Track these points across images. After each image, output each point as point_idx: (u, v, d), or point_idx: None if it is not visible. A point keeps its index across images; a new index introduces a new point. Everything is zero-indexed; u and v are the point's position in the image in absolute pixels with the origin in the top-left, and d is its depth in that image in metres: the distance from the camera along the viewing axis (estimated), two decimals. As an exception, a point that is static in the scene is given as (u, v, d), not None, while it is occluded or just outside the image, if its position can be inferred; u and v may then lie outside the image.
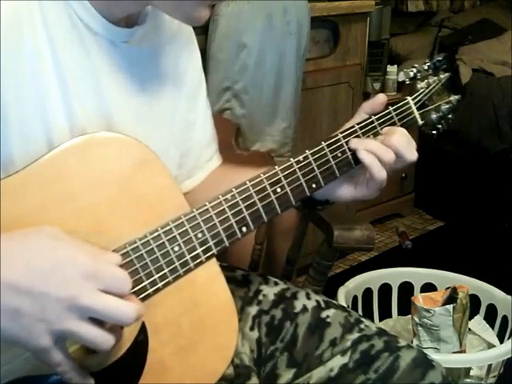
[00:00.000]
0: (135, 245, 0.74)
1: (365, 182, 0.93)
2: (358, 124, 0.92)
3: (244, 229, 0.82)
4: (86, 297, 0.65)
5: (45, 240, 0.67)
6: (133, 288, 0.74)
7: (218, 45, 1.80)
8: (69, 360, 0.68)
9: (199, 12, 0.81)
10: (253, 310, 1.03)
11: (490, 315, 1.78)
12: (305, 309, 1.01)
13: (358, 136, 0.91)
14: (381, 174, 0.89)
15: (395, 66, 2.90)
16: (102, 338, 0.67)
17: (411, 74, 0.99)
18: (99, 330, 0.67)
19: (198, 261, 0.79)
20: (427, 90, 0.99)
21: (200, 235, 0.78)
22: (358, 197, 0.95)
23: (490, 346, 1.70)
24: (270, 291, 1.05)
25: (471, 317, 1.71)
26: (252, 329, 1.01)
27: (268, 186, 0.84)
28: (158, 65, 0.92)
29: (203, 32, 1.81)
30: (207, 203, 0.80)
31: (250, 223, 0.83)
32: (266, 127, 1.93)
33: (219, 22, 1.78)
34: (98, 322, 0.67)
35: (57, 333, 0.65)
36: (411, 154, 0.91)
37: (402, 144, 0.90)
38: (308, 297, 1.04)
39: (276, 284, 1.07)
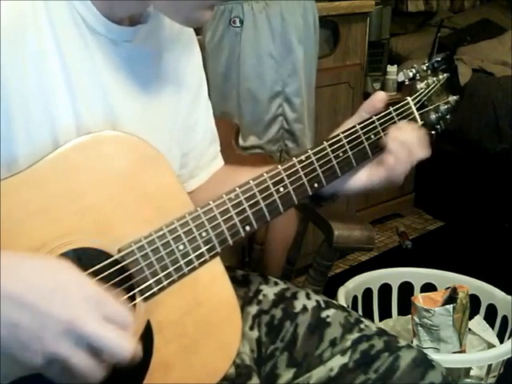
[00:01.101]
0: (141, 243, 0.75)
1: (375, 174, 0.94)
2: (359, 124, 0.93)
3: (247, 228, 0.83)
4: (88, 323, 0.64)
5: (50, 261, 0.67)
6: (138, 286, 0.75)
7: (260, 51, 1.77)
8: (64, 373, 0.66)
9: (200, 14, 0.81)
10: (253, 309, 1.03)
11: (490, 315, 1.78)
12: (305, 309, 1.01)
13: (359, 136, 0.92)
14: (401, 177, 0.93)
15: (395, 65, 2.90)
16: (92, 370, 0.65)
17: (410, 74, 0.99)
18: (92, 361, 0.65)
19: (203, 259, 0.79)
20: (427, 91, 1.00)
21: (204, 234, 0.79)
22: (367, 189, 0.96)
23: (490, 345, 1.70)
24: (269, 291, 1.05)
25: (471, 317, 1.71)
26: (252, 328, 1.01)
27: (271, 186, 0.84)
28: (159, 64, 0.92)
29: (201, 33, 1.80)
30: (211, 202, 0.80)
31: (254, 222, 0.83)
32: (309, 130, 1.94)
33: (249, 25, 1.75)
34: (91, 351, 0.65)
35: (50, 355, 0.64)
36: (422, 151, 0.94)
37: (414, 141, 0.92)
38: (308, 297, 1.04)
39: (276, 284, 1.07)
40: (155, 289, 0.76)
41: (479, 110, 2.95)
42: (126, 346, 0.65)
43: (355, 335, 0.96)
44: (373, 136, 0.93)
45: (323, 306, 1.02)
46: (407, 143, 0.92)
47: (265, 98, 1.82)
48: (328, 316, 1.00)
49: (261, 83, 1.80)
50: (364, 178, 0.95)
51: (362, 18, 2.41)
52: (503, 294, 1.76)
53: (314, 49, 1.90)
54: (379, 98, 0.95)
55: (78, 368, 0.65)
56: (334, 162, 0.90)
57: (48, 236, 0.72)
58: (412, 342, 1.58)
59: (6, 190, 0.70)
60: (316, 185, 0.89)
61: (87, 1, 0.79)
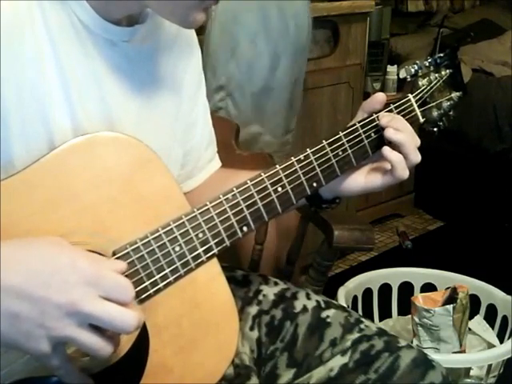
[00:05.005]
0: (136, 245, 0.74)
1: (380, 173, 0.92)
2: (359, 122, 0.92)
3: (245, 228, 0.82)
4: (87, 303, 0.65)
5: (46, 246, 0.67)
6: (134, 288, 0.74)
7: (215, 41, 1.77)
8: (68, 364, 0.68)
9: (194, 15, 0.80)
10: (253, 309, 1.03)
11: (490, 315, 1.78)
12: (305, 309, 1.01)
13: (359, 134, 0.91)
14: (405, 172, 0.90)
15: (395, 65, 2.90)
16: (100, 346, 0.66)
17: (412, 70, 0.98)
18: (98, 338, 0.66)
19: (199, 261, 0.79)
20: (428, 87, 0.99)
21: (201, 235, 0.78)
22: (369, 189, 0.95)
23: (490, 345, 1.70)
24: (269, 291, 1.05)
25: (471, 317, 1.71)
26: (252, 329, 1.01)
27: (269, 186, 0.84)
28: (158, 64, 0.92)
29: (202, 32, 1.81)
30: (208, 203, 0.80)
31: (251, 223, 0.83)
32: (258, 130, 1.89)
33: (215, 19, 1.75)
34: (97, 328, 0.66)
35: (56, 339, 0.65)
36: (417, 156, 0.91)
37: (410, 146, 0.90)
38: (308, 297, 1.04)
39: (276, 284, 1.07)
40: (151, 291, 0.75)
41: (479, 110, 2.95)
42: (127, 319, 0.66)
43: (355, 335, 0.96)
44: (373, 134, 0.92)
45: (323, 306, 1.02)
46: (403, 148, 0.89)
47: (209, 89, 1.81)
48: (328, 316, 1.00)
49: (209, 75, 1.78)
50: (362, 181, 0.94)
51: (362, 17, 2.41)
52: (503, 294, 1.76)
53: (284, 52, 1.86)
54: (379, 99, 0.94)
55: (86, 347, 0.66)
56: (334, 160, 0.89)
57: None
58: (412, 342, 1.57)
59: (6, 191, 0.70)
60: (315, 184, 0.88)
61: (83, 1, 0.79)
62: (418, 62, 0.99)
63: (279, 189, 0.85)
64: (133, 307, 0.68)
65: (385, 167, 0.92)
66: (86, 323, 0.65)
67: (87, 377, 0.71)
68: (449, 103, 1.01)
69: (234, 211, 0.81)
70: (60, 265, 0.65)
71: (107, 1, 0.80)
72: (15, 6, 0.74)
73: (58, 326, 0.64)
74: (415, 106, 0.97)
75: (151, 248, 0.75)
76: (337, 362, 0.94)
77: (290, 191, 0.86)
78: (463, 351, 1.63)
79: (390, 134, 0.90)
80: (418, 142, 0.91)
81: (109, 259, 0.72)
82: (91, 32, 0.81)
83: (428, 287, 1.88)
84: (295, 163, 0.87)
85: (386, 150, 0.90)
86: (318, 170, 0.88)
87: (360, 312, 1.77)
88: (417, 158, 0.90)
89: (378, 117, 0.93)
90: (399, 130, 0.90)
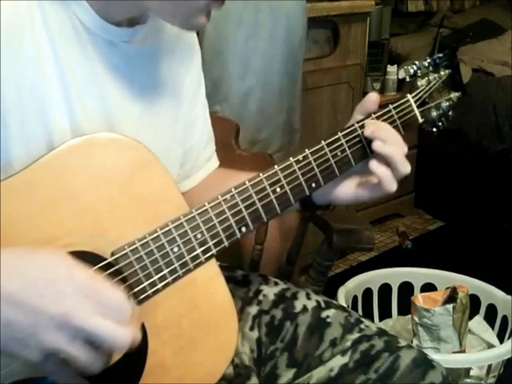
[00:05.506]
0: (134, 246, 0.74)
1: (369, 185, 0.92)
2: (357, 123, 0.92)
3: (243, 229, 0.82)
4: (80, 315, 0.64)
5: (47, 255, 0.67)
6: (132, 289, 0.74)
7: (207, 42, 1.77)
8: (61, 368, 0.67)
9: (196, 19, 0.80)
10: (253, 309, 1.03)
11: (490, 315, 1.78)
12: (305, 309, 1.01)
13: (357, 135, 0.91)
14: (392, 186, 0.89)
15: (395, 65, 2.90)
16: (91, 361, 0.66)
17: (411, 71, 0.98)
18: (89, 353, 0.65)
19: (198, 261, 0.78)
20: (427, 88, 0.98)
21: (199, 236, 0.78)
22: (359, 200, 0.95)
23: (490, 346, 1.70)
24: (270, 291, 1.05)
25: (471, 317, 1.71)
26: (252, 329, 1.01)
27: (267, 186, 0.84)
28: (158, 65, 0.92)
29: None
30: (206, 204, 0.79)
31: (250, 223, 0.82)
32: (251, 134, 1.87)
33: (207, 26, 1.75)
34: (89, 342, 0.65)
35: (46, 350, 0.64)
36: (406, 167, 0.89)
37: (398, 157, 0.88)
38: (308, 297, 1.04)
39: (276, 284, 1.07)
40: (149, 291, 0.75)
41: (479, 110, 2.95)
42: (121, 335, 0.65)
43: (355, 335, 0.96)
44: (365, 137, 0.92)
45: (323, 306, 1.02)
46: (392, 160, 0.88)
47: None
48: (328, 316, 1.00)
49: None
50: (352, 192, 0.94)
51: (362, 17, 2.41)
52: (503, 293, 1.76)
53: (275, 54, 1.85)
54: (372, 99, 0.93)
55: (77, 360, 0.65)
56: (332, 161, 0.89)
57: (47, 237, 0.72)
58: (412, 342, 1.57)
59: (5, 191, 0.70)
60: (313, 185, 0.88)
61: (83, 2, 0.79)
62: (417, 62, 0.99)
63: (278, 189, 0.85)
64: (128, 324, 0.67)
65: (373, 180, 0.91)
66: (77, 337, 0.64)
67: (83, 379, 0.71)
68: (448, 103, 1.01)
69: (232, 212, 0.81)
70: (57, 274, 0.65)
71: (107, 1, 0.80)
72: (15, 5, 0.74)
73: (49, 339, 0.63)
74: (414, 106, 0.97)
75: (149, 249, 0.75)
76: (337, 362, 0.94)
77: (288, 192, 0.86)
78: (463, 351, 1.63)
79: (377, 147, 0.89)
80: (405, 149, 0.89)
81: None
82: (91, 33, 0.80)
83: (428, 287, 1.88)
84: (294, 164, 0.86)
85: (373, 164, 0.89)
86: (316, 170, 0.88)
87: (360, 312, 1.77)
88: (406, 168, 0.88)
89: (377, 117, 0.93)
90: (387, 140, 0.89)
